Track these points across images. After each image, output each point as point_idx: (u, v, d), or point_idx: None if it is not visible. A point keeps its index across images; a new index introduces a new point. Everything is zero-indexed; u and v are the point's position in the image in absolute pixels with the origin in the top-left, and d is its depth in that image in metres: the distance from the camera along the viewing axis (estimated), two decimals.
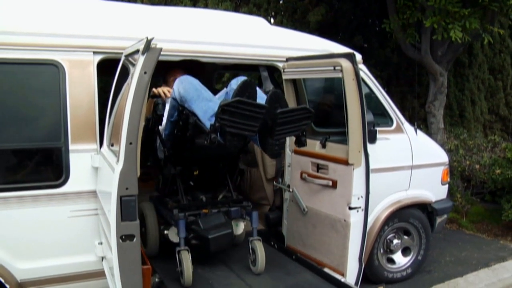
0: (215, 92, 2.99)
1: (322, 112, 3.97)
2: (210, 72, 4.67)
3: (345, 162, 3.00)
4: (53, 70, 2.74)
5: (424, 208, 4.08)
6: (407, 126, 3.92)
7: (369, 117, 3.14)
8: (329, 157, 3.19)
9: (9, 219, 2.66)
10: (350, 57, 2.89)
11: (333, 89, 3.95)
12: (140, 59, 2.17)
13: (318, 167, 3.31)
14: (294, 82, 3.59)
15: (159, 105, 2.89)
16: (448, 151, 5.63)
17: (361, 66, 3.59)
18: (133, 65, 2.39)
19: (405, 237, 4.03)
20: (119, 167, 2.15)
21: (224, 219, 3.08)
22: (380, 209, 3.69)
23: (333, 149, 3.17)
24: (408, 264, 4.07)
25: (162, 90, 3.25)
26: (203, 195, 3.25)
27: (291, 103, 3.45)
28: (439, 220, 4.17)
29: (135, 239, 2.22)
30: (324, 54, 3.25)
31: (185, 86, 2.74)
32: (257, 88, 2.57)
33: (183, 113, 2.81)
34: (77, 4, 3.13)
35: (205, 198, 3.23)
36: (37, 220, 2.73)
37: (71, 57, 2.78)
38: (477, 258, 4.78)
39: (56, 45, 2.75)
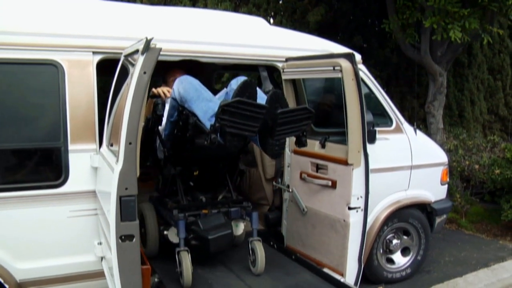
0: (214, 92, 2.99)
1: (321, 112, 3.97)
2: (209, 72, 4.67)
3: (345, 162, 3.00)
4: (53, 70, 2.74)
5: (424, 208, 4.08)
6: (406, 126, 3.92)
7: (369, 117, 3.14)
8: (328, 157, 3.19)
9: (8, 219, 2.66)
10: (349, 57, 2.89)
11: (332, 89, 3.95)
12: (140, 59, 2.17)
13: (318, 167, 3.31)
14: (293, 82, 3.59)
15: (158, 105, 2.89)
16: (448, 151, 5.63)
17: (361, 66, 3.59)
18: (133, 65, 2.38)
19: (405, 237, 4.03)
20: (118, 167, 2.15)
21: (224, 220, 3.08)
22: (379, 209, 3.70)
23: (333, 149, 3.17)
24: (408, 264, 4.07)
25: (161, 90, 3.25)
26: (203, 195, 3.24)
27: (291, 103, 3.44)
28: (438, 220, 4.18)
29: (134, 239, 2.22)
30: (323, 54, 3.25)
31: (185, 86, 2.74)
32: (257, 88, 2.57)
33: (183, 113, 2.80)
34: (76, 4, 3.12)
35: (205, 199, 3.22)
36: (36, 220, 2.72)
37: (71, 57, 2.78)
38: (476, 258, 4.79)
39: (56, 45, 2.75)
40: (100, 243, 2.85)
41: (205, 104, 2.63)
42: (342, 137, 3.07)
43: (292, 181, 3.53)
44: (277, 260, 3.38)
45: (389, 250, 3.97)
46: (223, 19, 3.83)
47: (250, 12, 6.21)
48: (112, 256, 2.20)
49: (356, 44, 7.15)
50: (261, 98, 2.60)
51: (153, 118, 2.96)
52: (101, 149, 2.82)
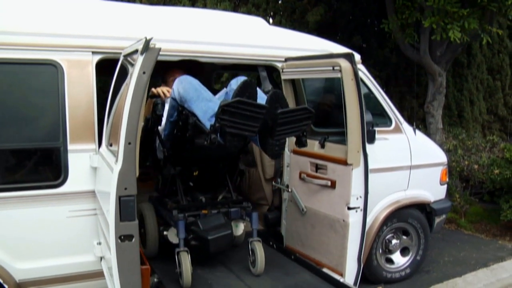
0: (214, 92, 2.98)
1: (321, 112, 3.97)
2: (209, 72, 4.67)
3: (344, 162, 3.00)
4: (52, 70, 2.74)
5: (423, 208, 4.08)
6: (406, 126, 3.92)
7: (368, 117, 3.15)
8: (328, 157, 3.19)
9: (7, 219, 2.65)
10: (349, 57, 2.89)
11: (332, 89, 3.95)
12: (139, 59, 2.16)
13: (317, 167, 3.31)
14: (293, 82, 3.59)
15: (158, 105, 2.89)
16: (447, 151, 5.64)
17: (360, 66, 3.59)
18: (132, 65, 2.38)
19: (404, 237, 4.03)
20: (118, 167, 2.15)
21: (224, 220, 3.07)
22: (379, 209, 3.70)
23: (332, 149, 3.17)
24: (407, 264, 4.07)
25: (161, 90, 3.24)
26: (202, 195, 3.24)
27: (290, 103, 3.44)
28: (437, 220, 4.18)
29: (134, 239, 2.21)
30: (323, 54, 3.25)
31: (184, 86, 2.74)
32: (257, 88, 2.57)
33: (182, 113, 2.80)
34: (76, 4, 3.12)
35: (204, 199, 3.22)
36: (35, 220, 2.72)
37: (70, 57, 2.78)
38: (475, 258, 4.79)
39: (55, 45, 2.74)
40: (99, 243, 2.85)
41: (205, 104, 2.63)
42: (341, 137, 3.07)
43: (292, 181, 3.53)
44: (276, 260, 3.38)
45: (389, 250, 3.97)
46: (223, 19, 3.83)
47: (249, 12, 6.21)
48: (112, 256, 2.20)
49: (356, 44, 7.15)
50: (261, 98, 2.60)
51: (153, 118, 2.96)
52: (101, 149, 2.82)
